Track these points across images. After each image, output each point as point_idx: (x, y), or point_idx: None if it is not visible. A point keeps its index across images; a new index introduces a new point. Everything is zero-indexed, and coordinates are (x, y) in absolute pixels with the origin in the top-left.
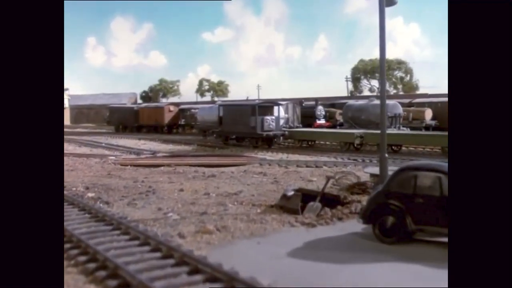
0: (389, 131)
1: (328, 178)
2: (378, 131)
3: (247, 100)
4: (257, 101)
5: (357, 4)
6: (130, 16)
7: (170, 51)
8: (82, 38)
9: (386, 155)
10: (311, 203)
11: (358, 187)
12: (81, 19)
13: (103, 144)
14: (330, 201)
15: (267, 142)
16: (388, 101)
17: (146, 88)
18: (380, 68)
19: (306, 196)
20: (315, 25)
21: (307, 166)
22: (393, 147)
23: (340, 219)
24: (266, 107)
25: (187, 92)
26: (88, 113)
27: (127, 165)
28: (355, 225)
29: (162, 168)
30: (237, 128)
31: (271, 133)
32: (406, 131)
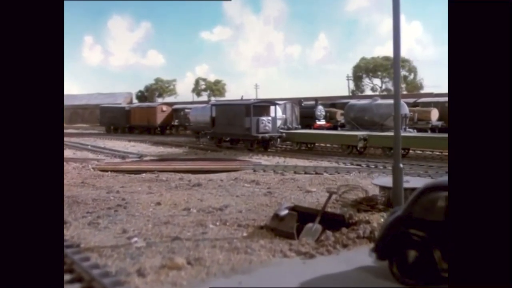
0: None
1: (330, 194)
2: (383, 133)
3: (241, 99)
4: (252, 100)
5: (357, 2)
6: (128, 15)
7: (168, 50)
8: (79, 37)
9: (401, 165)
10: (309, 225)
11: (366, 203)
12: (78, 17)
13: (89, 147)
14: (332, 221)
15: (263, 144)
16: (393, 101)
17: (142, 88)
18: (394, 64)
19: (303, 215)
20: (315, 24)
21: (305, 173)
22: None
23: (345, 246)
24: (262, 107)
25: (185, 92)
26: (83, 113)
27: (107, 171)
28: (365, 255)
29: (144, 175)
30: (230, 130)
31: (267, 135)
32: (414, 133)
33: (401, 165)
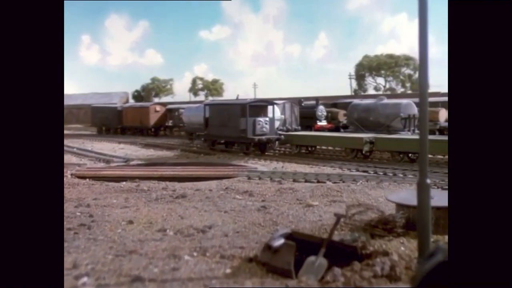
0: (404, 135)
1: (338, 217)
2: (392, 136)
3: (237, 99)
4: (248, 99)
5: (358, 0)
6: (125, 14)
7: (167, 49)
8: (76, 36)
9: (428, 180)
10: (312, 258)
11: (382, 226)
12: (76, 17)
13: (75, 149)
14: (340, 253)
15: (260, 148)
16: (400, 100)
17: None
18: (420, 60)
19: (302, 244)
20: (315, 22)
21: (306, 181)
22: (409, 155)
23: None
24: (259, 107)
25: (184, 92)
26: (77, 113)
27: (85, 178)
28: None
29: (123, 183)
30: (225, 131)
31: (264, 137)
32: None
33: (428, 181)
